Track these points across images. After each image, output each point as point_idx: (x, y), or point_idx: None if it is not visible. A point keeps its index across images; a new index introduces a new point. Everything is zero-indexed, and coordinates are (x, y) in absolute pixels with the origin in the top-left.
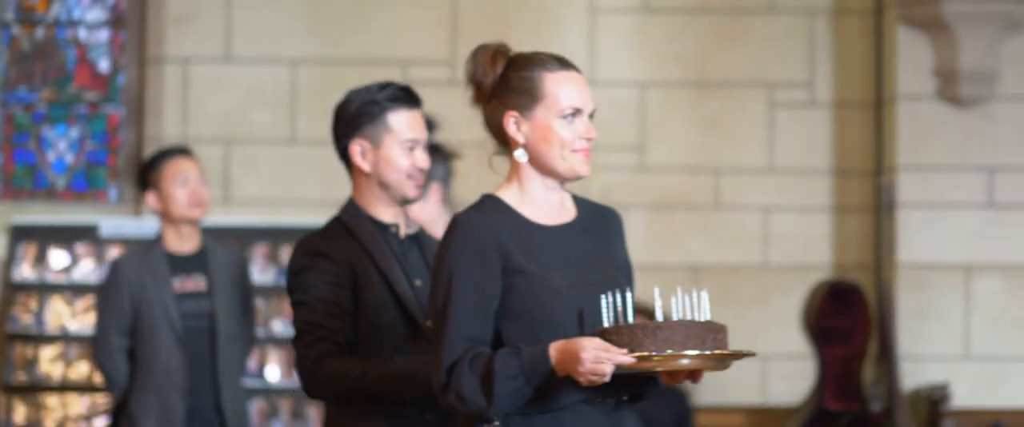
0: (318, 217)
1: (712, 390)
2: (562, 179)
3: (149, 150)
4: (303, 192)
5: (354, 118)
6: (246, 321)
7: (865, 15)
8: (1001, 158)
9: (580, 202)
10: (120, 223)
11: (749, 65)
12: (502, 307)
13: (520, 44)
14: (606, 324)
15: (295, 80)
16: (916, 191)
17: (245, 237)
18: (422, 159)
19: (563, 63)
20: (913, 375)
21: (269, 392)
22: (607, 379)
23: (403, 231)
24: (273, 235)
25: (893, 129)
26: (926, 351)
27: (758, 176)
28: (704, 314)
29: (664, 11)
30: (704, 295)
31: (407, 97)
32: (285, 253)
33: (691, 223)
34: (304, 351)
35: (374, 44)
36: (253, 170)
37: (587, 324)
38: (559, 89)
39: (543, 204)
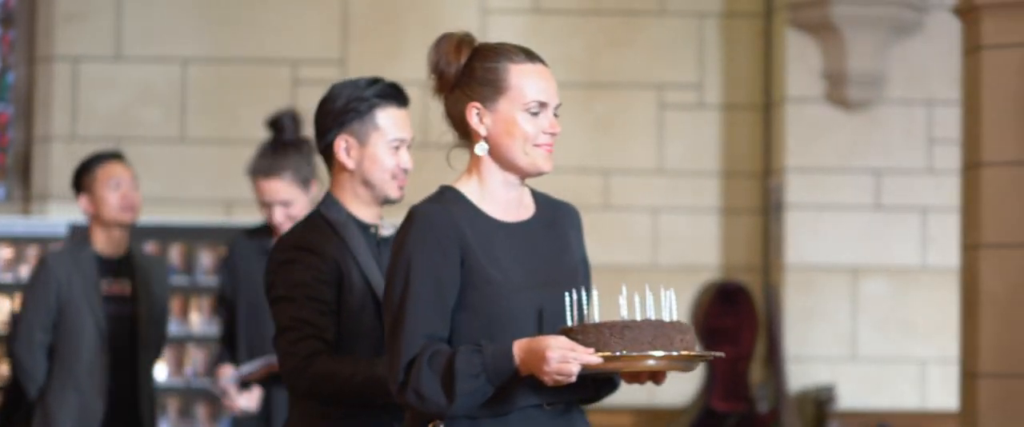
0: (207, 216)
1: None
2: (523, 174)
3: (38, 149)
4: (193, 191)
5: (341, 114)
6: (160, 327)
7: (754, 18)
8: (888, 161)
9: (539, 197)
10: (8, 221)
11: (639, 67)
12: (459, 303)
13: (410, 44)
14: (569, 323)
15: (185, 79)
16: (804, 193)
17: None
18: (407, 159)
19: (529, 55)
20: (800, 376)
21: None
22: (573, 379)
23: (381, 232)
24: (162, 234)
25: (781, 131)
26: (813, 352)
27: (647, 177)
28: (671, 314)
29: (555, 12)
30: (671, 294)
31: (396, 95)
32: (174, 252)
33: None
34: (290, 348)
35: (265, 43)
36: (143, 169)
37: (546, 323)
38: (524, 82)
39: (502, 199)
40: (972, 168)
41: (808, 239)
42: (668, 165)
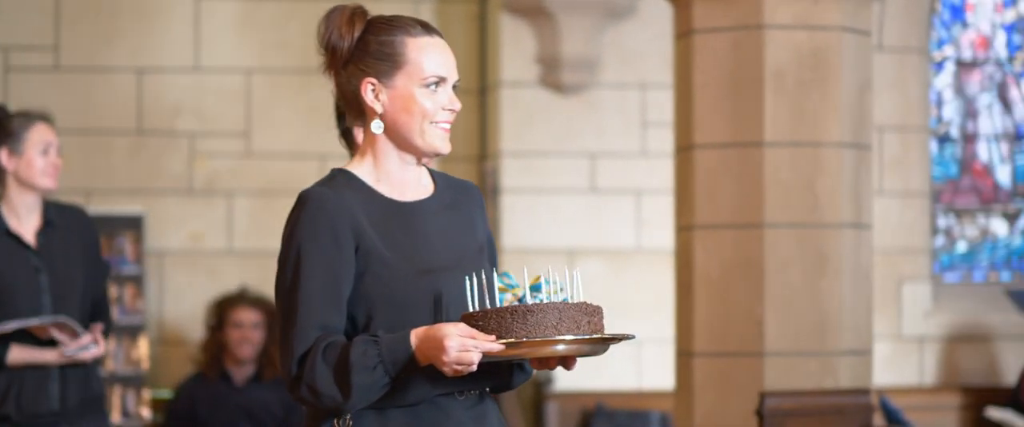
0: None
1: None
2: (420, 155)
3: None
4: None
5: None
6: None
7: (469, 2)
8: (603, 144)
9: (438, 177)
10: None
11: None
12: (356, 292)
13: (124, 30)
14: (471, 308)
15: None
16: (519, 177)
17: None
18: None
19: (427, 28)
20: None
21: None
22: (474, 368)
23: None
24: None
25: (497, 115)
26: None
27: None
28: (578, 295)
29: None
30: (577, 275)
31: None
32: None
33: None
34: None
35: None
36: None
37: (450, 308)
38: (422, 56)
39: (398, 180)
40: (684, 151)
41: (524, 222)
42: None
